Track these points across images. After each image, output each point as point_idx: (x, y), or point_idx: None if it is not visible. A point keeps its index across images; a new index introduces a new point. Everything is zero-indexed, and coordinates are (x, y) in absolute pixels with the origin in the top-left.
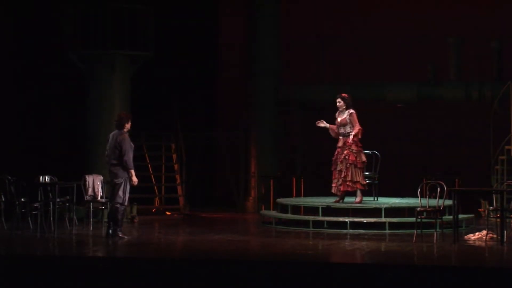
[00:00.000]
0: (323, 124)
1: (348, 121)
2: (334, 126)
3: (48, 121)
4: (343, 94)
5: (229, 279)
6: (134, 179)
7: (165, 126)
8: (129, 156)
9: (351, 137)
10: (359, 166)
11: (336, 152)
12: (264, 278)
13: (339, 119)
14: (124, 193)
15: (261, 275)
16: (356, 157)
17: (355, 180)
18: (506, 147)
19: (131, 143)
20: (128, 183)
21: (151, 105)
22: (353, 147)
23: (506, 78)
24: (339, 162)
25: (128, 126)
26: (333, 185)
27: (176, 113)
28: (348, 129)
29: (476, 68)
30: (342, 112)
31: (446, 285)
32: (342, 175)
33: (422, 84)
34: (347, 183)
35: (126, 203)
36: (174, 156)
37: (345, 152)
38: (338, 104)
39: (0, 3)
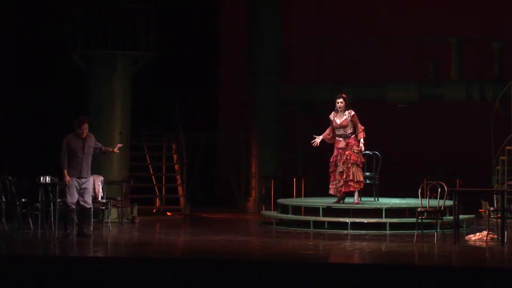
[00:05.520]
0: (319, 139)
1: (349, 122)
2: (325, 134)
3: (49, 121)
4: (343, 95)
5: (230, 279)
6: (64, 179)
7: (166, 126)
8: (62, 157)
9: (362, 140)
10: (360, 166)
11: (336, 154)
12: (265, 278)
13: (338, 121)
14: (69, 193)
15: (262, 276)
16: (357, 157)
17: (357, 179)
18: (507, 147)
19: (73, 145)
20: (72, 183)
21: (152, 105)
22: (355, 147)
23: (507, 78)
24: (340, 163)
25: (79, 130)
26: (332, 187)
27: (177, 114)
28: (348, 130)
29: (477, 68)
30: (342, 112)
31: (447, 285)
32: (344, 176)
33: (423, 84)
34: (349, 183)
35: (70, 202)
36: (175, 156)
37: (346, 152)
38: (340, 104)
39: (1, 2)
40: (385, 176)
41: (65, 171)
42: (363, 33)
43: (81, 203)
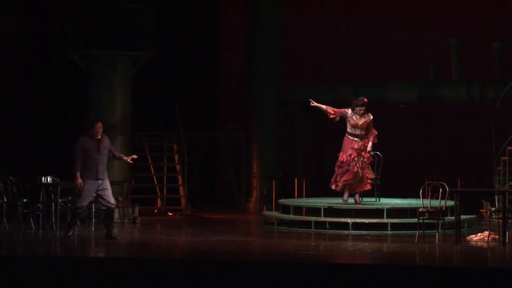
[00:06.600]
0: (317, 104)
1: (367, 125)
2: (330, 108)
3: (50, 122)
4: (365, 99)
5: (230, 280)
6: (76, 181)
7: (167, 127)
8: (74, 160)
9: (370, 144)
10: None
11: (351, 153)
12: (266, 279)
13: (358, 120)
14: (81, 197)
15: (263, 276)
16: (369, 156)
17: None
18: (508, 147)
19: (87, 146)
20: (88, 187)
21: (153, 105)
22: (369, 148)
23: (507, 78)
24: (354, 164)
25: (92, 131)
26: (338, 183)
27: (177, 114)
28: (364, 131)
29: (477, 68)
30: (362, 115)
31: (448, 286)
32: (360, 175)
33: (423, 85)
34: (366, 183)
35: (81, 205)
36: (176, 156)
37: (363, 153)
38: (363, 111)
39: (2, 3)
40: (386, 176)
41: (78, 173)
42: (364, 33)
43: (105, 203)
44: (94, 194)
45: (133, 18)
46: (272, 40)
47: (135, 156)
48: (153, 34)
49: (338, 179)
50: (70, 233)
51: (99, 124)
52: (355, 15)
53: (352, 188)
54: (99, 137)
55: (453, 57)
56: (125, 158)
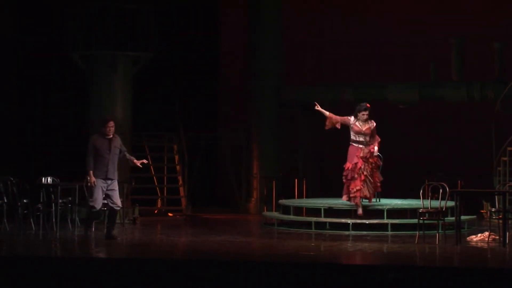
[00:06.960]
0: (321, 108)
1: (371, 132)
2: (332, 115)
3: (50, 122)
4: (368, 105)
5: (231, 280)
6: (90, 179)
7: (167, 127)
8: (87, 158)
9: (376, 148)
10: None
11: (356, 161)
12: (266, 279)
13: (362, 127)
14: (93, 197)
15: (263, 277)
16: (377, 160)
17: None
18: (509, 148)
19: (98, 145)
20: (96, 185)
21: (153, 105)
22: (375, 153)
23: (508, 78)
24: (361, 172)
25: (103, 129)
26: (351, 195)
27: (178, 114)
28: (368, 138)
29: (478, 68)
30: (365, 121)
31: (448, 286)
32: (371, 181)
33: (423, 85)
34: (378, 185)
35: (94, 204)
36: (176, 157)
37: (371, 160)
38: (366, 117)
39: (2, 3)
40: (386, 176)
41: (91, 172)
42: (364, 33)
43: (110, 204)
44: (103, 195)
45: (133, 18)
46: (272, 40)
47: (145, 161)
48: (153, 34)
49: (350, 189)
50: (89, 233)
51: (111, 123)
52: (355, 15)
53: (366, 195)
54: (111, 136)
55: (453, 57)
56: (135, 161)
